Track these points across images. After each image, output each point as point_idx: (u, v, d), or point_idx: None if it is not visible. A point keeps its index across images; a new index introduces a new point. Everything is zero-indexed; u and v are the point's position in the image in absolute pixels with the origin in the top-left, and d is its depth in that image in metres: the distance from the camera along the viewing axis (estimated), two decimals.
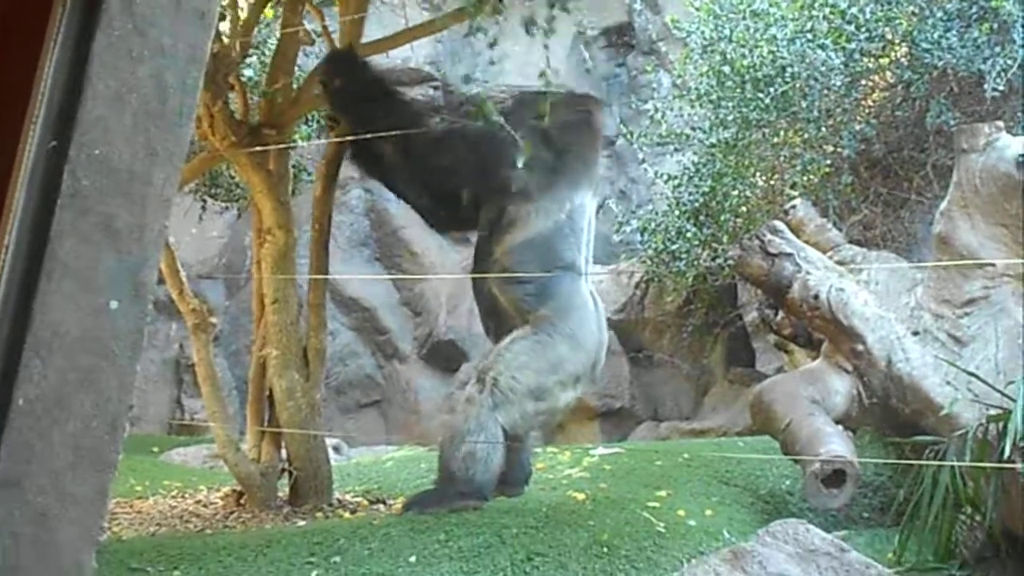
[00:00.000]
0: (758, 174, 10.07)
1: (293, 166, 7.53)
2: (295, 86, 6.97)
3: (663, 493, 6.47)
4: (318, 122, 8.06)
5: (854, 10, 8.96)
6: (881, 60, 9.32)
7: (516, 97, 7.47)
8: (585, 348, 6.29)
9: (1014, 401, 5.66)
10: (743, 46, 9.54)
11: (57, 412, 2.05)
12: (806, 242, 7.45)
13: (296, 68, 7.15)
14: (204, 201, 9.15)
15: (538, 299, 6.25)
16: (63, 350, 2.06)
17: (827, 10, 9.05)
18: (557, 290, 6.27)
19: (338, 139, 6.60)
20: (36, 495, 2.02)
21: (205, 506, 7.15)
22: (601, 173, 6.94)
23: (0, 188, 2.06)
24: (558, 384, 6.20)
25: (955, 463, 5.74)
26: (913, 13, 8.88)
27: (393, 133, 6.18)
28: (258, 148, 6.64)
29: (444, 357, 14.00)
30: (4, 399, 2.00)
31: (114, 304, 2.12)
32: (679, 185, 10.63)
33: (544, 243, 6.31)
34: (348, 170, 7.20)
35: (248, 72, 7.57)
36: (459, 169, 6.40)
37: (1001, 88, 8.22)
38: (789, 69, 9.17)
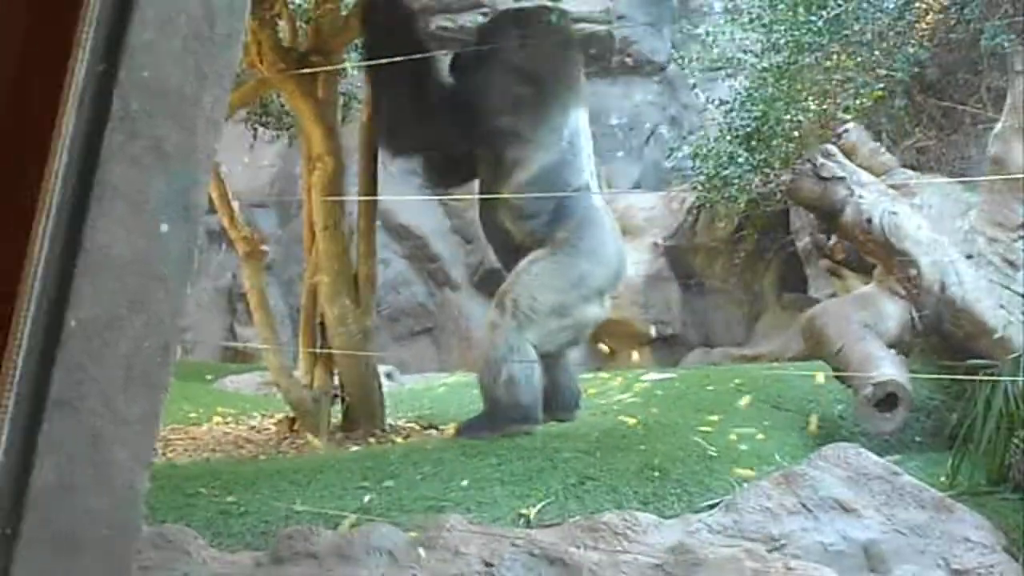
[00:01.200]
0: (810, 98, 9.97)
1: (342, 93, 7.52)
2: (343, 12, 6.95)
3: (714, 418, 6.47)
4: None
5: None
6: None
7: (477, 28, 7.41)
8: (606, 262, 6.40)
9: None
10: None
11: (108, 334, 2.06)
12: (859, 166, 7.38)
13: None
14: (255, 130, 9.16)
15: (553, 226, 6.30)
16: (114, 272, 2.07)
17: None
18: (571, 213, 6.33)
19: (384, 61, 6.56)
20: (89, 416, 2.03)
21: (259, 432, 7.22)
22: (585, 84, 6.86)
23: (50, 113, 2.06)
24: (581, 299, 6.29)
25: (1009, 381, 5.71)
26: None
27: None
28: (306, 72, 6.64)
29: (495, 284, 13.90)
30: (57, 321, 2.01)
31: (164, 227, 2.12)
32: (731, 110, 10.55)
33: (552, 175, 6.34)
34: None
35: None
36: (457, 121, 6.40)
37: None
38: None
